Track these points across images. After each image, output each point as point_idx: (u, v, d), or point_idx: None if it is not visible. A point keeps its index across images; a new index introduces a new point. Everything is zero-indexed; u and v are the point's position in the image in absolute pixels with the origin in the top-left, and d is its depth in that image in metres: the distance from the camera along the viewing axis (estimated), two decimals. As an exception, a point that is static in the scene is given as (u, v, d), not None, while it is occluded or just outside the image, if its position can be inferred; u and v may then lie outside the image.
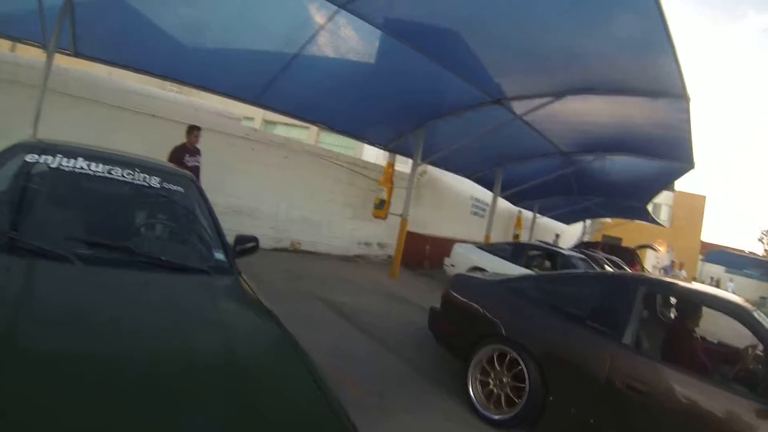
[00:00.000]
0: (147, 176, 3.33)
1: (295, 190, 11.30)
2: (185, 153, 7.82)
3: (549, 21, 6.33)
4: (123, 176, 3.21)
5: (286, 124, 22.67)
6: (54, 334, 1.85)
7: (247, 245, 3.40)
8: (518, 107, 9.52)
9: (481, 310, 5.10)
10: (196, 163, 7.90)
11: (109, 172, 3.18)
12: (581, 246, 21.13)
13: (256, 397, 1.79)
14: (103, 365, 1.72)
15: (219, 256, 3.11)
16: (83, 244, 2.64)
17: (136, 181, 3.26)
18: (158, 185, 3.36)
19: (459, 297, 5.47)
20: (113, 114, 8.91)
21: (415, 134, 11.27)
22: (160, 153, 7.35)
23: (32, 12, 6.74)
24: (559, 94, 8.41)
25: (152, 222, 3.44)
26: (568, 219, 25.53)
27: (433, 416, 4.44)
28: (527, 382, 4.33)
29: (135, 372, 1.72)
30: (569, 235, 28.11)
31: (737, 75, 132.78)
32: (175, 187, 3.47)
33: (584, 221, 28.04)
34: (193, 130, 8.03)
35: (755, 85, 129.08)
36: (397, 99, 9.73)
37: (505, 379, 4.56)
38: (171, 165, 4.13)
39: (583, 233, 28.71)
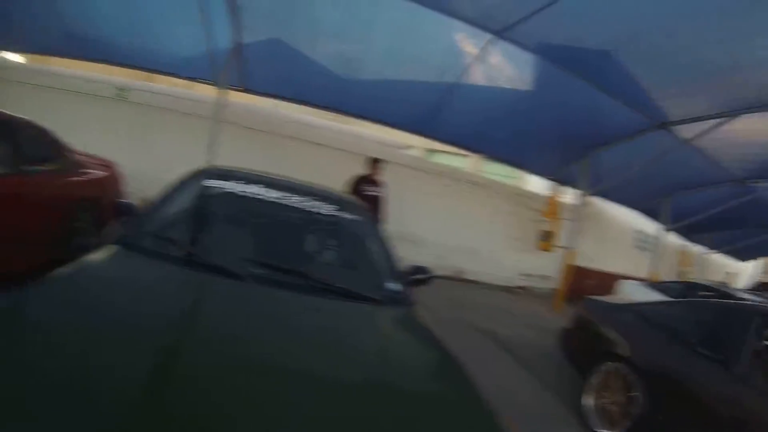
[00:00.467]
0: (321, 204, 3.48)
1: (458, 219, 11.46)
2: (365, 183, 8.04)
3: (709, 29, 5.85)
4: (297, 203, 3.39)
5: (447, 152, 22.96)
6: (231, 346, 1.96)
7: (421, 276, 3.39)
8: (685, 131, 8.93)
9: (604, 330, 5.34)
10: (376, 193, 8.05)
11: (284, 199, 3.37)
12: (761, 287, 19.45)
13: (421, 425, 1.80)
14: (280, 382, 1.83)
15: (393, 285, 3.10)
16: (258, 265, 2.75)
17: (310, 208, 3.41)
18: (332, 213, 3.49)
19: (588, 317, 5.82)
20: (279, 142, 9.83)
21: (579, 164, 11.01)
22: (323, 178, 7.85)
23: (204, 55, 8.10)
24: (731, 114, 7.68)
25: (326, 248, 3.60)
26: (742, 255, 23.47)
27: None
28: (639, 400, 4.36)
29: (309, 391, 1.79)
30: (742, 273, 25.95)
31: None
32: (348, 216, 3.60)
33: (761, 258, 25.66)
34: (375, 162, 8.25)
35: None
36: (558, 128, 9.66)
37: (617, 396, 4.65)
38: (345, 193, 4.27)
39: (765, 272, 26.30)
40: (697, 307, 5.31)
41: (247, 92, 9.45)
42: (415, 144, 21.55)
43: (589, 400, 4.88)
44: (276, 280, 2.68)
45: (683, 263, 19.74)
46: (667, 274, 16.30)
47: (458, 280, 11.46)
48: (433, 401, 2.03)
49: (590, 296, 6.38)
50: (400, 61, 8.22)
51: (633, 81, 7.42)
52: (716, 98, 7.55)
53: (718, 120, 8.03)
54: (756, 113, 7.58)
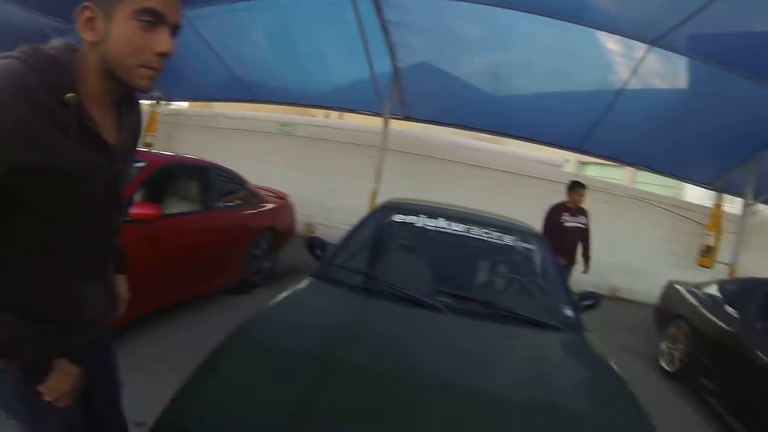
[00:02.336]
0: (500, 234, 3.65)
1: (613, 234, 10.84)
2: (564, 212, 6.82)
3: None
4: (479, 235, 3.58)
5: (600, 164, 22.10)
6: (430, 371, 2.22)
7: (590, 301, 3.50)
8: None
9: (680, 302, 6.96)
10: (579, 224, 6.88)
11: (467, 231, 3.58)
12: None
13: None
14: (474, 408, 2.00)
15: (567, 312, 3.21)
16: (446, 295, 2.95)
17: (489, 239, 3.59)
18: (511, 243, 3.65)
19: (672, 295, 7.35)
20: (439, 165, 10.03)
21: (743, 168, 10.04)
22: (484, 200, 7.93)
23: (367, 84, 8.54)
24: None
25: (508, 278, 3.73)
26: None
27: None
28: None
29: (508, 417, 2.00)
30: None
31: None
32: (525, 245, 3.73)
33: None
34: (576, 188, 6.90)
35: None
36: (718, 131, 8.99)
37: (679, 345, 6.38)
38: (519, 222, 4.32)
39: None
40: (736, 284, 6.87)
41: (407, 120, 9.81)
42: (569, 157, 21.10)
43: (662, 346, 6.73)
44: (468, 310, 2.90)
45: None
46: None
47: (615, 299, 10.98)
48: (604, 424, 2.15)
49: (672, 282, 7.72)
50: (557, 81, 8.22)
51: None
52: None
53: None
54: None
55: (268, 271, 6.87)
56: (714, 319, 5.92)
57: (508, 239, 3.67)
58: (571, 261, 6.81)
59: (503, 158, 10.46)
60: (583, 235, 6.97)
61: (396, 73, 8.69)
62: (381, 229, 3.72)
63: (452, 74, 8.65)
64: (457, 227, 3.62)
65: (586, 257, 7.03)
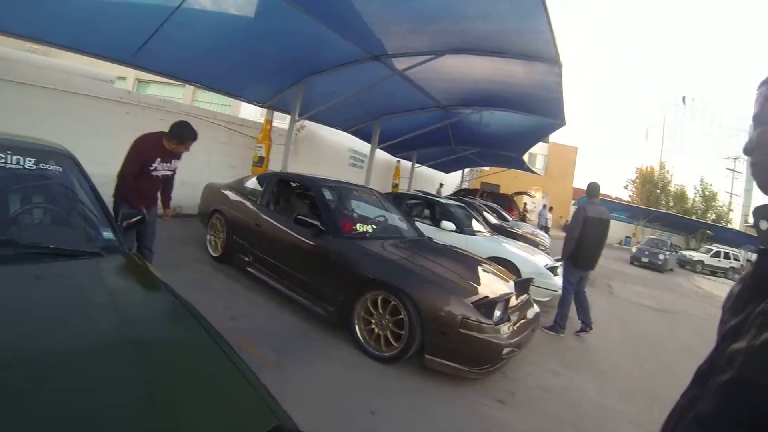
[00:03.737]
0: (17, 157, 3.00)
1: None
2: (156, 156, 5.44)
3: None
4: None
5: (160, 82, 21.52)
6: None
7: (132, 219, 3.45)
8: (398, 63, 9.53)
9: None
10: (168, 171, 5.70)
11: None
12: (461, 193, 21.67)
13: (168, 372, 1.86)
14: (8, 365, 1.66)
15: (107, 234, 3.01)
16: None
17: (8, 165, 2.95)
18: (33, 166, 3.07)
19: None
20: None
21: (292, 90, 11.12)
22: (28, 125, 6.58)
23: None
24: (439, 53, 8.48)
25: (32, 208, 3.18)
26: (447, 168, 26.10)
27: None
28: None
29: (43, 367, 1.69)
30: (448, 183, 28.82)
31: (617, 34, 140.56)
32: (50, 167, 3.19)
33: (463, 170, 28.73)
34: (186, 140, 5.52)
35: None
36: (276, 57, 9.47)
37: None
38: (43, 141, 3.52)
39: (462, 181, 29.44)
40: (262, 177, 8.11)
41: None
42: (127, 75, 19.53)
43: (208, 237, 7.98)
44: None
45: (395, 177, 21.22)
46: (380, 187, 17.13)
47: (177, 216, 10.67)
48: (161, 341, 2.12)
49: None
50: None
51: (358, 17, 7.60)
52: (432, 40, 8.19)
53: (428, 56, 8.78)
54: (459, 54, 8.57)
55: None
56: (240, 206, 7.43)
57: (30, 162, 3.06)
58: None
59: (49, 72, 8.75)
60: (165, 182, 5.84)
61: None
62: None
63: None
64: None
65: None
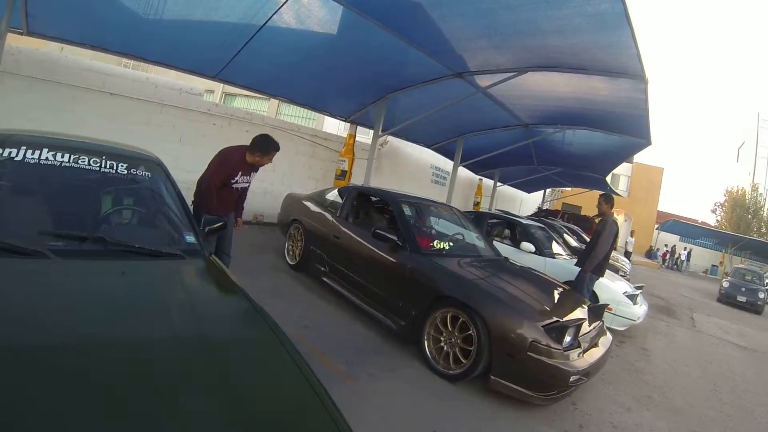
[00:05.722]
0: (115, 163, 3.31)
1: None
2: (239, 170, 5.61)
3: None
4: (89, 165, 3.17)
5: (246, 96, 22.20)
6: (32, 329, 1.86)
7: (215, 225, 3.60)
8: (481, 81, 9.48)
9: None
10: (246, 184, 5.86)
11: (75, 162, 3.12)
12: (540, 213, 21.34)
13: (236, 373, 1.90)
14: (88, 357, 1.77)
15: (190, 238, 3.16)
16: (56, 238, 2.64)
17: (104, 169, 3.22)
18: (127, 172, 3.34)
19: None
20: (70, 93, 8.59)
21: (375, 106, 11.24)
22: (121, 133, 7.26)
23: None
24: (521, 70, 8.37)
25: (124, 210, 3.41)
26: (529, 188, 25.79)
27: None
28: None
29: (120, 361, 1.78)
30: (530, 203, 28.46)
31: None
32: (142, 173, 3.45)
33: (545, 190, 28.28)
34: (270, 151, 5.73)
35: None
36: (359, 72, 9.62)
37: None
38: (138, 149, 3.87)
39: (543, 201, 28.96)
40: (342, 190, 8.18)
41: (31, 35, 7.43)
42: (215, 89, 20.32)
43: (286, 246, 8.31)
44: (73, 251, 2.60)
45: (477, 195, 21.12)
46: (462, 205, 17.14)
47: (257, 224, 11.27)
48: (233, 344, 2.19)
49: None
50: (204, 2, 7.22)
51: (440, 34, 7.61)
52: (514, 56, 8.06)
53: (510, 73, 8.66)
54: (541, 71, 8.39)
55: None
56: (320, 217, 7.67)
57: (123, 168, 3.34)
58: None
59: (139, 85, 9.41)
60: (241, 195, 6.03)
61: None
62: None
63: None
64: (64, 158, 3.11)
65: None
